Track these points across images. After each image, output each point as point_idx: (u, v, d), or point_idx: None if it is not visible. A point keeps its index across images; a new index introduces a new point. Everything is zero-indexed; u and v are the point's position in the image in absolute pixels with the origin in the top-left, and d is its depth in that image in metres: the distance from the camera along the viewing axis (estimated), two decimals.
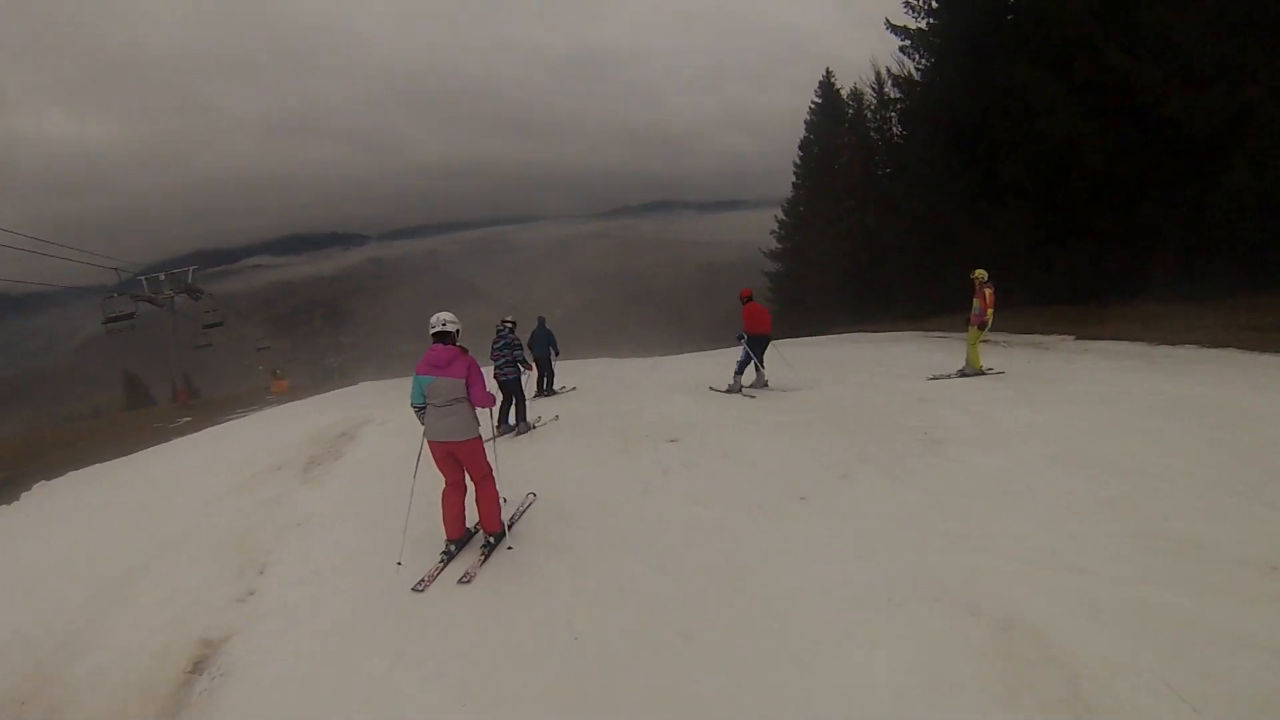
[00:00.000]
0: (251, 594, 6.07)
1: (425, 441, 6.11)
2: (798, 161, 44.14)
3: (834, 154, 40.69)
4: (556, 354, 15.35)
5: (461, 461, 6.08)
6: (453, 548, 6.18)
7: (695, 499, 7.07)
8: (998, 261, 23.21)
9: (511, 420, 11.40)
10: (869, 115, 38.95)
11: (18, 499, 13.15)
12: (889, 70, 33.84)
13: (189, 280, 36.39)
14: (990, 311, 12.31)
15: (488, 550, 6.14)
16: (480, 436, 6.14)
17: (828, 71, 41.91)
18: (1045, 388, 10.99)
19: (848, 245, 35.69)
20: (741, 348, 12.74)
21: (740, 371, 12.75)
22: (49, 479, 14.60)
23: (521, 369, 11.43)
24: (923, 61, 28.80)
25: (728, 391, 12.75)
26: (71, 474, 14.98)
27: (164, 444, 18.39)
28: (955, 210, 25.54)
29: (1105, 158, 19.82)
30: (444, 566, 6.00)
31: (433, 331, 6.11)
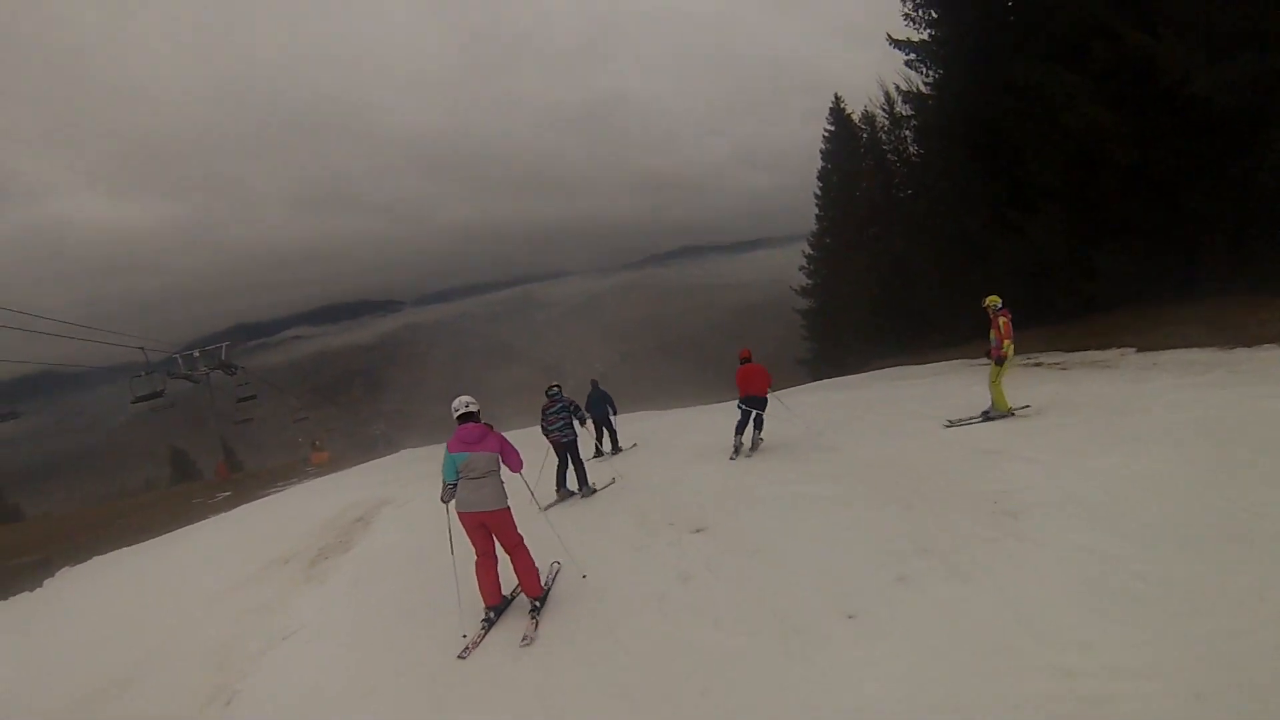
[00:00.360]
0: None
1: (456, 514, 6.45)
2: (818, 193, 42.77)
3: (853, 180, 39.69)
4: (614, 413, 15.27)
5: (493, 531, 6.43)
6: (492, 614, 6.48)
7: (717, 618, 5.72)
8: (1035, 273, 22.30)
9: (571, 485, 11.28)
10: (883, 137, 37.98)
11: (41, 585, 13.56)
12: (898, 87, 32.74)
13: (223, 356, 36.89)
14: (1008, 343, 10.89)
15: (536, 613, 6.43)
16: (509, 508, 6.51)
17: (836, 97, 40.87)
18: (1123, 419, 9.27)
19: (876, 273, 34.45)
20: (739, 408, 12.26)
21: (739, 432, 12.19)
22: (75, 564, 15.05)
23: (578, 428, 11.43)
24: (930, 74, 27.72)
25: (735, 455, 12.05)
26: (97, 559, 15.40)
27: (194, 524, 19.06)
28: (983, 223, 24.26)
29: (1134, 148, 18.40)
30: (485, 633, 6.28)
31: (458, 414, 6.61)
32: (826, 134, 41.29)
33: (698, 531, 7.92)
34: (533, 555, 6.64)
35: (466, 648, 5.99)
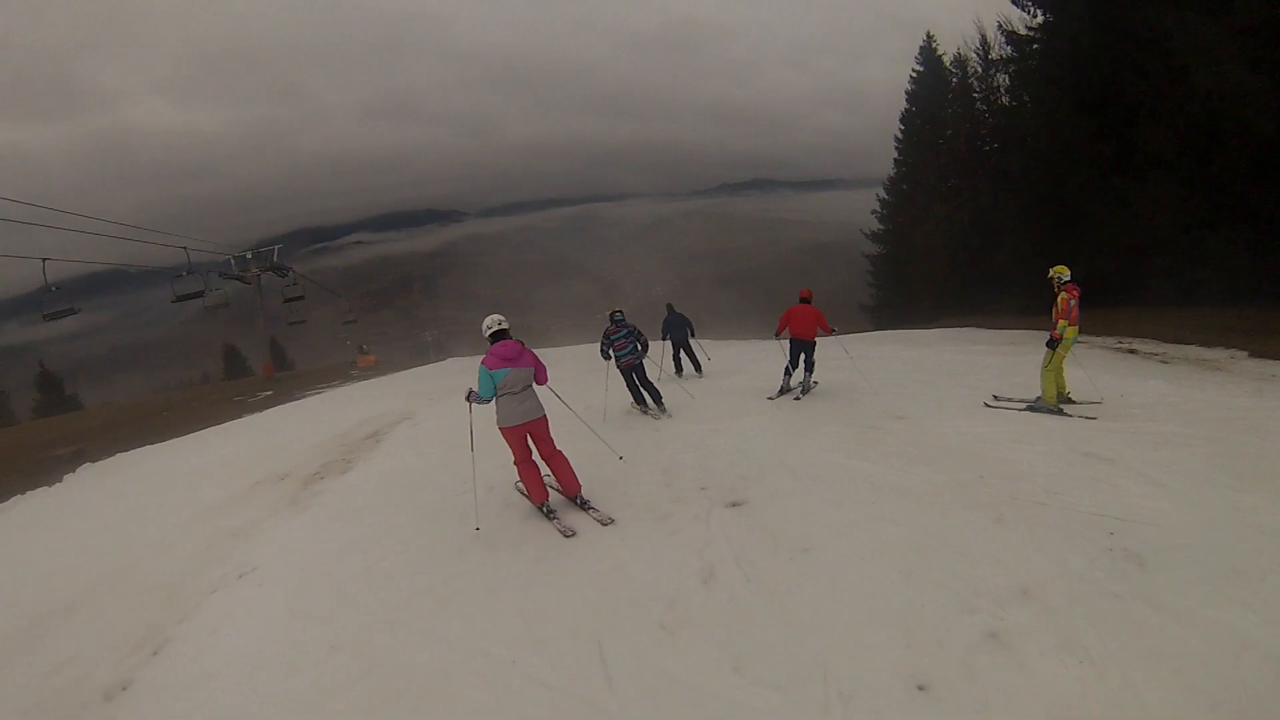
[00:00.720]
0: (123, 689, 4.96)
1: (500, 430, 6.74)
2: (899, 136, 40.15)
3: (938, 126, 37.14)
4: (693, 334, 15.31)
5: (535, 437, 6.81)
6: (549, 506, 6.85)
7: (739, 655, 4.22)
8: (1135, 249, 20.07)
9: (647, 401, 11.48)
10: (974, 83, 35.02)
11: (61, 481, 13.45)
12: (1000, 27, 29.78)
13: (274, 259, 36.86)
14: (1063, 324, 9.18)
15: (587, 505, 6.89)
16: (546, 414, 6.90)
17: (928, 36, 37.98)
18: (1260, 443, 7.31)
19: (956, 226, 31.92)
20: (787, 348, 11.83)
21: (788, 373, 11.75)
22: (96, 460, 14.88)
23: (641, 351, 11.46)
24: (1039, 14, 25.24)
25: (778, 396, 11.61)
26: (120, 455, 15.26)
27: (223, 424, 19.17)
28: (1083, 187, 21.78)
29: (1276, 119, 15.97)
30: (556, 520, 6.64)
31: (492, 331, 6.82)
32: (914, 74, 38.69)
33: (733, 506, 6.54)
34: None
35: (567, 531, 6.40)
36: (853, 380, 11.98)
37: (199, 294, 29.49)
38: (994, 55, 31.43)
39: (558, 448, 6.96)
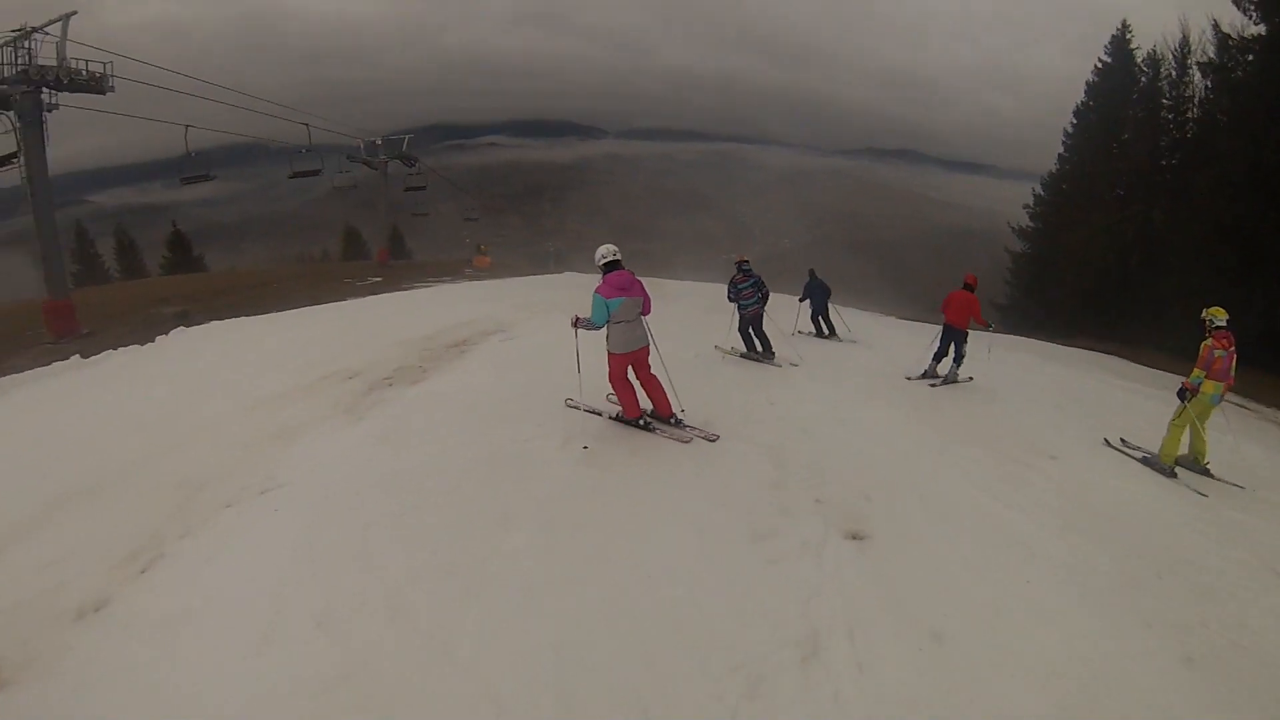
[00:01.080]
0: (96, 610, 4.47)
1: (610, 354, 6.94)
2: (1069, 130, 36.22)
3: (1117, 128, 33.00)
4: (830, 301, 15.34)
5: (637, 364, 7.03)
6: (646, 420, 7.19)
7: None
8: None
9: (758, 347, 11.51)
10: (1164, 86, 30.92)
11: (153, 341, 13.82)
12: (1216, 26, 25.45)
13: (404, 148, 36.54)
14: (1198, 373, 7.44)
15: (680, 424, 7.16)
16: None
17: (1123, 25, 33.54)
18: None
19: (1116, 241, 28.53)
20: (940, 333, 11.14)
21: (936, 358, 11.05)
22: (190, 325, 15.18)
23: (763, 301, 11.54)
24: (1260, 24, 21.92)
25: (921, 378, 10.96)
26: (215, 323, 15.41)
27: (324, 304, 19.04)
28: None
29: None
30: (657, 429, 7.06)
31: (605, 261, 6.88)
32: (1099, 66, 34.34)
33: (854, 539, 5.11)
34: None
35: (683, 437, 6.89)
36: (992, 386, 10.61)
37: (315, 172, 29.48)
38: (1196, 59, 28.05)
39: (653, 373, 7.17)
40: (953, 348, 10.77)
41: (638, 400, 7.14)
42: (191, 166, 23.80)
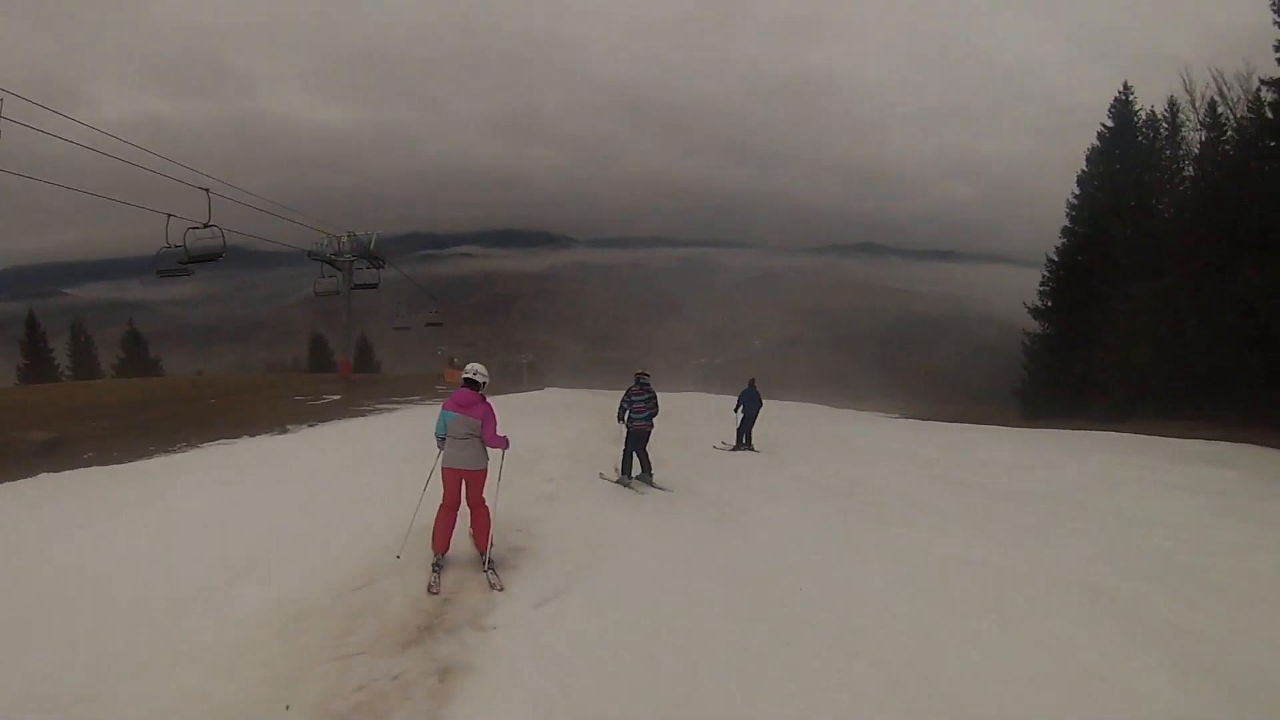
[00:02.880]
0: None
1: (440, 466, 6.90)
2: (1072, 201, 36.02)
3: (1133, 191, 32.49)
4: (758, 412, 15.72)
5: (468, 483, 6.85)
6: (440, 561, 6.73)
7: None
8: None
9: (635, 470, 10.85)
10: (1170, 141, 31.93)
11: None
12: (1222, 85, 25.78)
13: (371, 246, 33.39)
14: None
15: (491, 566, 6.66)
16: (487, 469, 6.97)
17: (1125, 88, 34.22)
18: None
19: (1168, 307, 25.95)
20: None
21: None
22: (56, 471, 11.47)
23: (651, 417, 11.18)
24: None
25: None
26: (81, 471, 11.67)
27: (254, 437, 15.82)
28: None
29: None
30: (438, 576, 6.47)
31: (463, 377, 7.13)
32: (1103, 131, 34.58)
33: None
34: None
35: (430, 585, 6.32)
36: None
37: (217, 257, 25.63)
38: (1227, 111, 27.04)
39: (487, 503, 6.95)
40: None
41: (448, 537, 6.81)
42: (169, 260, 22.00)
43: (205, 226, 21.36)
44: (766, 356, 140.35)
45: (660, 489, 10.46)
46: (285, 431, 16.87)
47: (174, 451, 13.55)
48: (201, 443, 14.39)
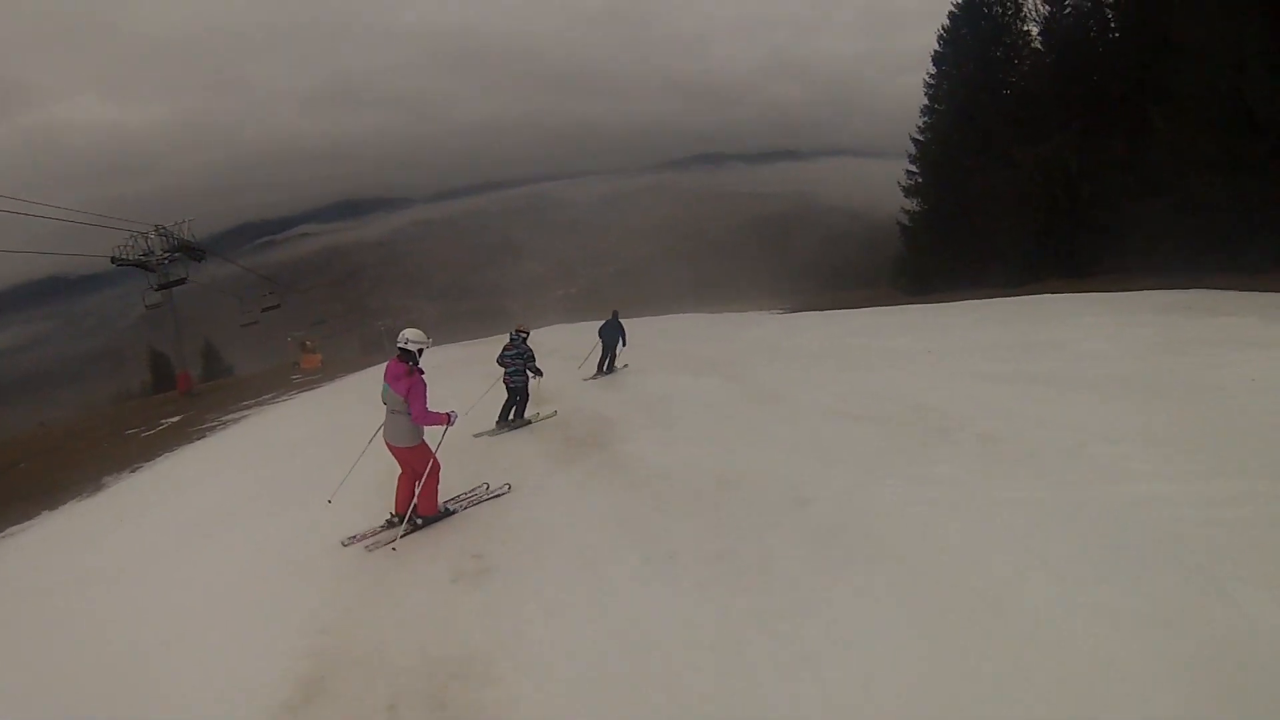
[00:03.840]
0: None
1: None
2: (929, 80, 36.77)
3: (990, 66, 33.46)
4: (624, 345, 16.60)
5: (400, 460, 6.72)
6: (395, 519, 6.79)
7: None
8: None
9: (510, 417, 11.33)
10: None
11: None
12: None
13: (186, 235, 29.41)
14: None
15: (411, 527, 6.63)
16: (421, 444, 6.66)
17: None
18: None
19: (1056, 169, 26.01)
20: None
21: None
22: None
23: (531, 375, 11.58)
24: None
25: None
26: None
27: (55, 508, 11.54)
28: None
29: None
30: (380, 531, 6.71)
31: (399, 347, 6.63)
32: (953, 10, 35.07)
33: None
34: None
35: (354, 536, 6.66)
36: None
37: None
38: None
39: (430, 475, 6.76)
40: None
41: (407, 496, 6.76)
42: None
43: None
44: (624, 276, 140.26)
45: (528, 422, 11.35)
46: (99, 489, 12.43)
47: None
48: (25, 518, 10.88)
